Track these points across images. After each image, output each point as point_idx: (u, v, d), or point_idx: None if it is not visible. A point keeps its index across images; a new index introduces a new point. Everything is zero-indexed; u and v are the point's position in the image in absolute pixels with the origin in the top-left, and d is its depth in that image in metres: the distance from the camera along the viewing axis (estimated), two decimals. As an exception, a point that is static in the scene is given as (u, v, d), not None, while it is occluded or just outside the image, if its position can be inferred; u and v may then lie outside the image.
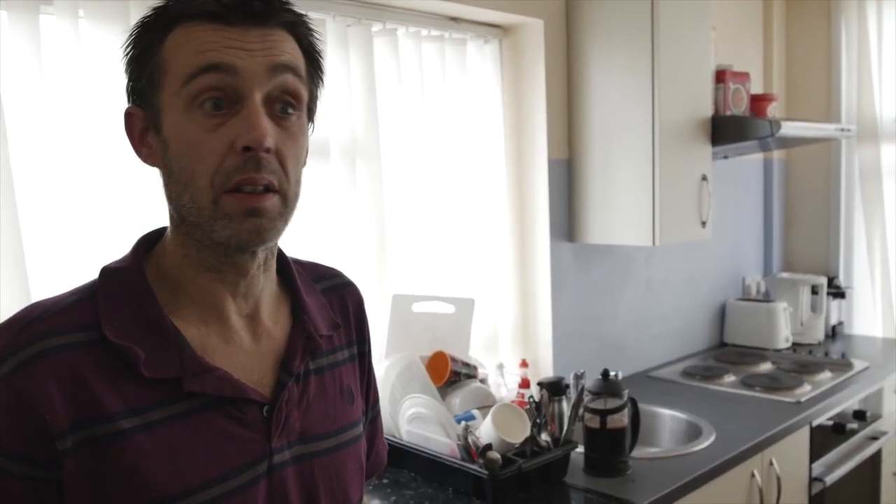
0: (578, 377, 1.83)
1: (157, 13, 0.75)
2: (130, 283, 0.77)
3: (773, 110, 2.65)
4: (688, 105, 2.28)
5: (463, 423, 1.67)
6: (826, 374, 2.56)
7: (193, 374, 0.74)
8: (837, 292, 3.23)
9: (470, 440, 1.63)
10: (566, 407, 1.79)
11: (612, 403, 1.76)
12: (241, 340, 0.81)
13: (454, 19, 2.13)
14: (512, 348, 2.38)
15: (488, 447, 1.60)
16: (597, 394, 1.77)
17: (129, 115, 0.78)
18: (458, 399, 1.86)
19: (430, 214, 2.11)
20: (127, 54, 0.77)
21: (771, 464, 2.05)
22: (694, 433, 2.08)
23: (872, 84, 3.16)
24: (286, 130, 0.75)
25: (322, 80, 0.82)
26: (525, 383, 2.12)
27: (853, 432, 2.44)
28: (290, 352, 0.83)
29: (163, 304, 0.76)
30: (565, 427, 1.76)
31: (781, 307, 2.99)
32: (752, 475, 1.99)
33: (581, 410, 1.79)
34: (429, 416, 1.72)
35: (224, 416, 0.75)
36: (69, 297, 0.76)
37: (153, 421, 0.72)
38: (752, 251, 3.30)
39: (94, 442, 0.69)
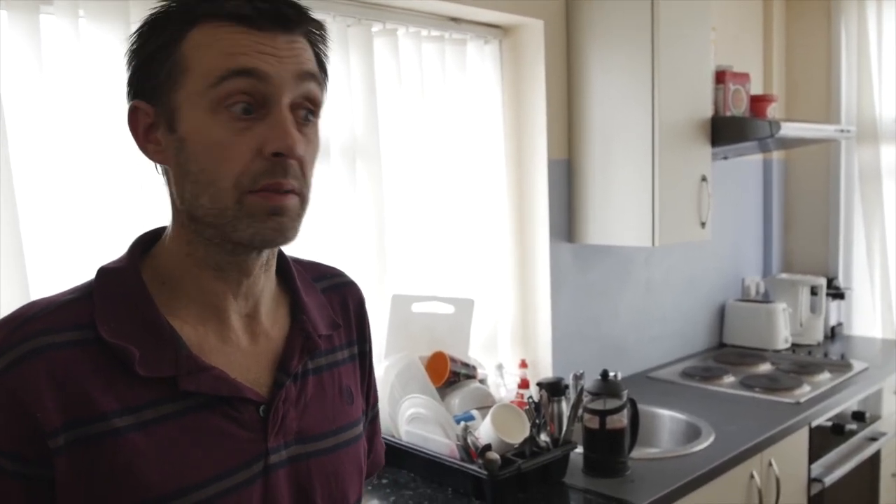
0: (578, 378, 1.83)
1: (176, 8, 0.74)
2: (126, 283, 0.77)
3: (772, 111, 2.65)
4: (688, 105, 2.28)
5: (462, 423, 1.67)
6: (825, 375, 2.56)
7: (189, 373, 0.74)
8: (837, 293, 3.23)
9: (469, 440, 1.63)
10: (565, 407, 1.79)
11: (612, 404, 1.76)
12: (239, 340, 0.81)
13: (454, 19, 2.14)
14: (511, 349, 2.38)
15: (487, 447, 1.61)
16: (596, 394, 1.77)
17: (134, 110, 0.77)
18: (457, 399, 1.86)
19: (429, 215, 2.11)
20: (137, 48, 0.76)
21: (770, 464, 2.05)
22: (693, 434, 2.08)
23: (872, 85, 3.16)
24: (306, 136, 0.76)
25: (328, 85, 0.83)
26: (524, 384, 2.12)
27: (852, 433, 2.45)
28: (288, 352, 0.83)
29: (160, 303, 0.76)
30: (564, 427, 1.76)
31: (781, 308, 2.99)
32: (752, 476, 1.99)
33: (580, 411, 1.79)
34: (428, 417, 1.72)
35: (220, 416, 0.75)
36: (65, 296, 0.76)
37: (148, 420, 0.72)
38: (752, 252, 3.30)
39: (88, 441, 0.69)
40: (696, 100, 2.31)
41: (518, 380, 2.14)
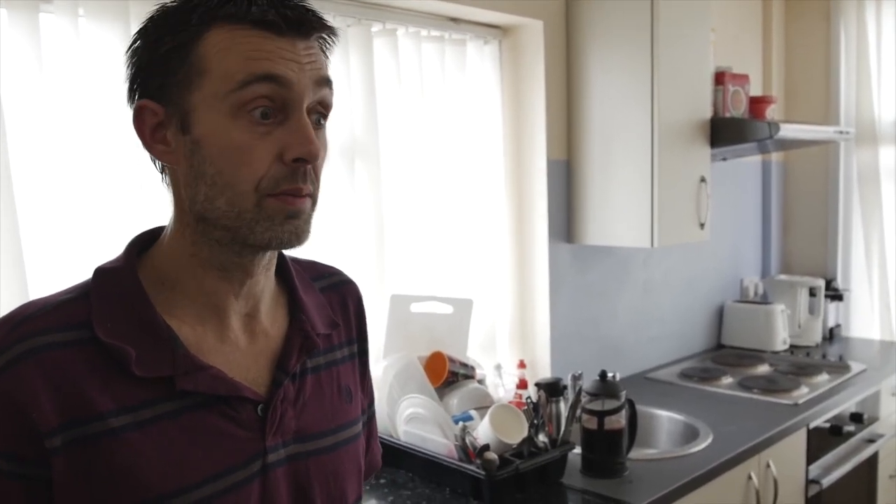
0: (576, 378, 1.83)
1: (192, 9, 0.73)
2: (123, 283, 0.76)
3: (771, 112, 2.65)
4: (687, 106, 2.28)
5: (460, 423, 1.68)
6: (823, 377, 2.56)
7: (186, 372, 0.74)
8: (835, 295, 3.23)
9: (467, 441, 1.63)
10: (564, 408, 1.79)
11: (610, 405, 1.76)
12: (238, 339, 0.81)
13: (454, 20, 2.14)
14: (510, 349, 2.38)
15: (486, 448, 1.61)
16: (594, 395, 1.77)
17: (141, 109, 0.75)
18: (455, 399, 1.86)
19: (428, 215, 2.11)
20: (145, 47, 0.75)
21: (768, 466, 2.05)
22: (691, 435, 2.09)
23: (871, 86, 3.17)
24: (319, 140, 0.76)
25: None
26: (523, 384, 2.12)
27: (850, 434, 2.45)
28: (286, 350, 0.83)
29: (157, 303, 0.76)
30: (563, 428, 1.76)
31: (779, 309, 3.00)
32: (749, 477, 1.99)
33: (578, 411, 1.79)
34: (426, 417, 1.72)
35: (218, 415, 0.75)
36: (62, 296, 0.75)
37: (145, 419, 0.72)
38: (751, 253, 3.30)
39: (85, 441, 0.69)
40: (695, 101, 2.31)
41: (516, 380, 2.15)
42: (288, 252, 0.90)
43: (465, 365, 1.94)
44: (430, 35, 2.10)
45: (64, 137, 1.43)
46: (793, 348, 3.03)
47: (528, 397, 1.90)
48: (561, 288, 2.38)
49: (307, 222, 0.77)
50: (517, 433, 1.67)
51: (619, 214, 2.28)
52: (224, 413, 0.76)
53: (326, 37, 0.78)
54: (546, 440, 1.72)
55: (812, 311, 3.15)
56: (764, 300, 3.20)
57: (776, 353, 2.95)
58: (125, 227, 1.47)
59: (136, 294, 0.76)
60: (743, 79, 2.55)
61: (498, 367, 2.16)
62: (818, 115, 3.27)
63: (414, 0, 1.95)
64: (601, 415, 1.76)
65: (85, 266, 1.39)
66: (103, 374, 0.71)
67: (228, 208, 0.73)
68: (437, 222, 2.14)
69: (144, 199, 1.49)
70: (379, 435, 1.07)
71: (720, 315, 3.12)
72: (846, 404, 2.44)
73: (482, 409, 1.78)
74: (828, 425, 2.35)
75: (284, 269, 0.89)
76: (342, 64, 1.85)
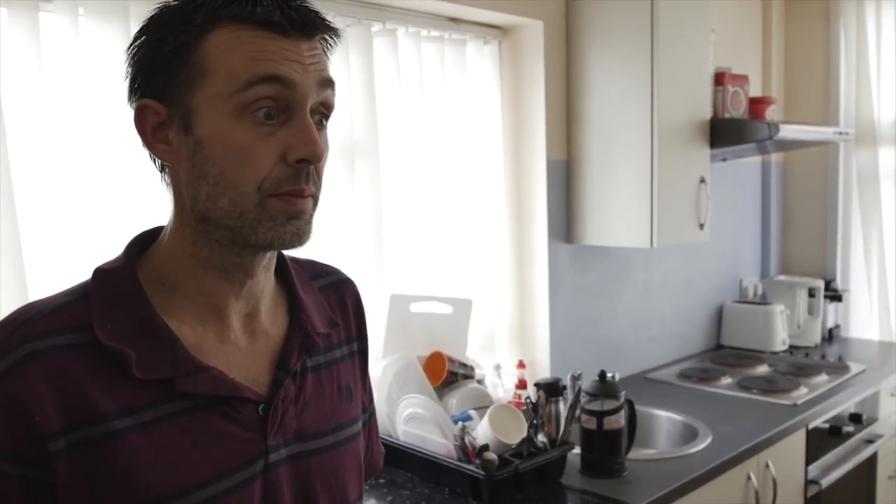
0: (575, 378, 1.83)
1: (196, 9, 0.72)
2: (123, 284, 0.76)
3: (771, 113, 2.65)
4: (687, 107, 2.28)
5: (460, 423, 1.68)
6: (822, 377, 2.56)
7: (187, 373, 0.74)
8: (834, 295, 3.24)
9: (467, 441, 1.63)
10: (563, 408, 1.79)
11: (609, 405, 1.76)
12: (238, 339, 0.81)
13: (454, 20, 2.14)
14: (509, 349, 2.38)
15: (485, 448, 1.61)
16: (594, 395, 1.77)
17: (142, 108, 0.75)
18: (455, 399, 1.86)
19: (428, 215, 2.11)
20: (146, 46, 0.74)
21: (767, 466, 2.06)
22: (690, 435, 2.09)
23: (871, 87, 3.17)
24: (322, 141, 0.76)
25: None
26: (522, 384, 2.12)
27: (849, 435, 2.45)
28: (286, 350, 0.83)
29: (157, 304, 0.76)
30: (562, 428, 1.76)
31: (778, 310, 3.00)
32: (748, 477, 1.99)
33: (578, 412, 1.79)
34: (426, 417, 1.72)
35: (219, 416, 0.75)
36: (61, 297, 0.75)
37: (147, 421, 0.72)
38: (750, 254, 3.31)
39: (88, 443, 0.69)
40: (695, 101, 2.32)
41: (516, 380, 2.15)
42: (286, 251, 0.90)
43: (464, 365, 1.94)
44: (430, 35, 2.10)
45: (64, 137, 1.43)
46: (792, 349, 3.03)
47: (528, 397, 1.90)
48: (560, 288, 2.38)
49: (309, 223, 0.77)
50: (516, 433, 1.67)
51: (618, 215, 2.28)
52: (225, 414, 0.76)
53: (329, 38, 0.78)
54: (545, 440, 1.72)
55: (811, 311, 3.15)
56: (763, 301, 3.20)
57: (775, 353, 2.95)
58: (124, 226, 1.47)
59: (136, 295, 0.76)
60: (742, 79, 2.55)
61: (497, 368, 2.16)
62: (818, 115, 3.28)
63: (414, 0, 1.95)
64: (600, 415, 1.76)
65: (84, 266, 1.40)
66: (105, 376, 0.71)
67: (231, 208, 0.73)
68: (437, 222, 2.14)
69: (144, 199, 1.49)
70: (379, 435, 1.07)
71: (719, 315, 3.12)
72: (845, 405, 2.44)
73: (481, 409, 1.78)
74: (827, 426, 2.35)
75: (283, 268, 0.89)
76: (342, 64, 1.85)
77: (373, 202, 1.95)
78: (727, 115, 2.49)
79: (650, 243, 2.22)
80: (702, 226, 2.37)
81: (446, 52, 2.14)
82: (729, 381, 2.55)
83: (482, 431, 1.65)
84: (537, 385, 1.84)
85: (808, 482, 2.27)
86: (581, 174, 2.35)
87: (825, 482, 2.28)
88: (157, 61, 0.74)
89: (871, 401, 2.60)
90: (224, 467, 0.75)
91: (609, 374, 1.81)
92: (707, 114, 2.37)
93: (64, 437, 0.69)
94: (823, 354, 2.96)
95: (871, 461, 2.58)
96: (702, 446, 1.96)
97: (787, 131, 2.39)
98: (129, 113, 0.77)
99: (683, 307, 2.93)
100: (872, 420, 2.61)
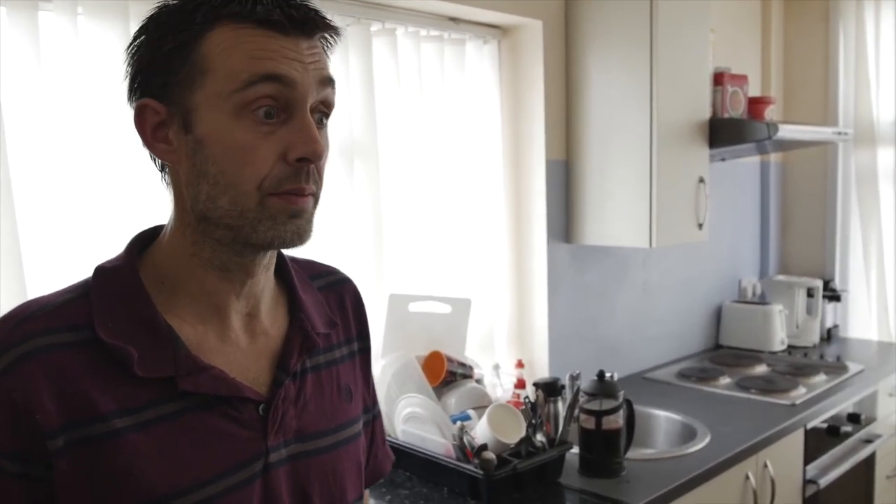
0: (574, 378, 1.83)
1: (195, 8, 0.72)
2: (124, 282, 0.76)
3: (770, 113, 2.65)
4: (686, 107, 2.28)
5: (458, 423, 1.68)
6: (821, 377, 2.57)
7: (188, 373, 0.74)
8: (833, 295, 3.24)
9: (465, 440, 1.63)
10: (561, 408, 1.79)
11: (608, 404, 1.76)
12: (239, 339, 0.81)
13: (453, 19, 2.14)
14: (508, 349, 2.38)
15: (483, 447, 1.61)
16: (592, 395, 1.77)
17: (142, 108, 0.75)
18: (453, 399, 1.87)
19: (427, 214, 2.11)
20: (146, 45, 0.74)
21: (765, 466, 2.06)
22: (689, 435, 2.09)
23: (870, 87, 3.17)
24: (321, 139, 0.76)
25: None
26: (521, 384, 2.12)
27: (847, 435, 2.45)
28: (286, 350, 0.83)
29: (158, 302, 0.76)
30: (560, 428, 1.77)
31: (777, 310, 3.00)
32: (747, 477, 2.00)
33: (576, 411, 1.79)
34: (424, 416, 1.72)
35: (219, 415, 0.75)
36: (62, 295, 0.75)
37: (147, 420, 0.72)
38: (749, 254, 3.31)
39: (88, 442, 0.69)
40: (694, 101, 2.32)
41: (514, 380, 2.14)
42: (286, 251, 0.90)
43: (463, 364, 1.95)
44: (430, 35, 2.10)
45: (62, 136, 1.43)
46: (790, 349, 3.04)
47: (526, 397, 1.90)
48: (559, 288, 2.38)
49: (309, 222, 0.77)
50: (515, 433, 1.67)
51: (617, 214, 2.28)
52: (226, 413, 0.76)
53: (329, 36, 0.78)
54: (544, 440, 1.72)
55: (810, 311, 3.15)
56: (762, 301, 3.21)
57: (774, 353, 2.95)
58: (123, 226, 1.47)
59: (137, 293, 0.76)
60: (742, 79, 2.55)
61: (496, 367, 2.16)
62: (817, 115, 3.28)
63: (413, 0, 1.95)
64: (599, 415, 1.76)
65: (83, 265, 1.40)
66: (105, 375, 0.71)
67: (231, 207, 0.73)
68: (436, 222, 2.14)
69: (143, 198, 1.49)
70: (385, 439, 1.06)
71: (718, 315, 3.12)
72: (844, 405, 2.44)
73: (480, 409, 1.78)
74: (825, 426, 2.36)
75: (284, 268, 0.89)
76: (341, 63, 1.85)
77: (372, 202, 1.95)
78: (726, 115, 2.49)
79: (649, 243, 2.22)
80: (701, 226, 2.37)
81: (446, 52, 2.14)
82: (727, 381, 2.55)
83: (481, 431, 1.66)
84: (536, 385, 1.84)
85: (807, 482, 2.27)
86: (580, 174, 2.35)
87: (823, 482, 2.28)
88: (157, 60, 0.74)
89: (869, 401, 2.60)
90: (224, 467, 0.75)
91: (608, 374, 1.81)
92: (706, 114, 2.37)
93: (64, 435, 0.68)
94: (822, 354, 2.97)
95: (870, 461, 2.58)
96: (700, 446, 1.96)
97: (786, 131, 2.40)
98: (128, 112, 0.77)
99: (682, 307, 2.93)
100: (871, 420, 2.61)
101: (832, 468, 2.35)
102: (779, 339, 2.99)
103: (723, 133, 2.38)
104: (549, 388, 1.80)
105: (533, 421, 1.71)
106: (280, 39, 0.72)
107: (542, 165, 2.29)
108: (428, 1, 1.97)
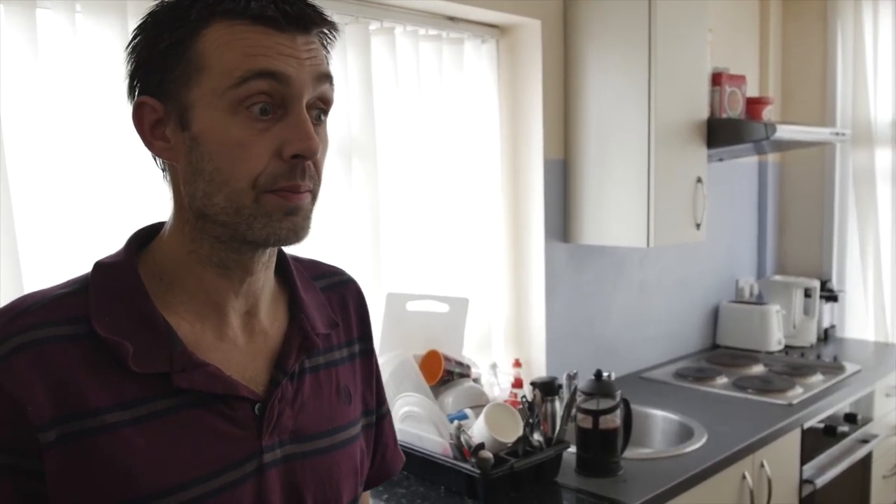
0: (571, 377, 1.83)
1: (191, 5, 0.72)
2: (122, 278, 0.76)
3: (768, 113, 2.66)
4: (684, 107, 2.28)
5: (456, 422, 1.68)
6: (818, 377, 2.57)
7: (183, 369, 0.73)
8: (830, 296, 3.24)
9: (462, 439, 1.63)
10: (559, 407, 1.79)
11: (605, 404, 1.76)
12: (237, 337, 0.80)
13: (452, 19, 2.14)
14: (505, 348, 2.38)
15: (481, 446, 1.61)
16: (589, 394, 1.78)
17: (140, 105, 0.75)
18: (451, 398, 1.87)
19: (425, 214, 2.11)
20: (144, 43, 0.74)
21: (762, 465, 2.06)
22: (686, 434, 2.09)
23: (867, 88, 3.18)
24: (319, 136, 0.76)
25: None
26: (518, 383, 2.12)
27: (844, 435, 2.46)
28: (285, 350, 0.83)
29: (156, 299, 0.76)
30: (558, 427, 1.77)
31: (774, 310, 3.00)
32: (743, 477, 2.00)
33: (573, 411, 1.79)
34: (422, 415, 1.72)
35: (214, 414, 0.75)
36: (60, 289, 0.75)
37: (141, 416, 0.71)
38: (746, 254, 3.31)
39: (80, 436, 0.69)
40: (692, 101, 2.32)
41: (512, 379, 2.15)
42: (290, 251, 0.89)
43: (460, 364, 1.95)
44: (428, 34, 2.10)
45: (61, 133, 1.43)
46: (787, 349, 3.04)
47: (524, 396, 1.90)
48: (557, 287, 2.38)
49: (306, 219, 0.77)
50: (512, 432, 1.67)
51: (615, 214, 2.28)
52: (220, 412, 0.75)
53: (327, 31, 0.78)
54: (541, 439, 1.72)
55: (807, 311, 3.16)
56: (759, 301, 3.21)
57: (771, 353, 2.96)
58: (121, 223, 1.47)
59: (136, 289, 0.76)
60: (740, 79, 2.55)
61: (493, 366, 2.17)
62: (814, 116, 3.28)
63: (412, -1, 1.96)
64: (596, 414, 1.76)
65: (81, 261, 1.40)
66: (100, 369, 0.71)
67: (227, 204, 0.73)
68: (434, 221, 2.14)
69: (141, 196, 1.49)
70: (396, 440, 1.05)
71: (715, 315, 3.13)
72: (840, 405, 2.45)
73: (477, 408, 1.78)
74: (822, 425, 2.36)
75: (285, 267, 0.88)
76: (340, 62, 1.85)
77: (370, 201, 1.95)
78: (724, 116, 2.49)
79: (647, 243, 2.23)
80: (698, 226, 2.37)
81: (444, 51, 2.14)
82: (724, 381, 2.55)
83: (478, 430, 1.66)
84: (533, 384, 1.84)
85: (803, 482, 2.28)
86: (578, 173, 2.35)
87: (820, 482, 2.29)
88: (153, 58, 0.74)
89: (865, 401, 2.60)
90: (217, 466, 0.74)
91: (605, 374, 1.82)
92: (704, 114, 2.37)
93: (55, 428, 0.68)
94: (819, 354, 2.97)
95: (866, 461, 2.59)
96: (697, 446, 1.96)
97: (784, 132, 2.40)
98: (126, 110, 0.77)
99: (679, 307, 2.93)
100: (867, 420, 2.61)
101: (829, 468, 2.35)
102: (776, 339, 3.00)
103: (721, 133, 2.39)
104: (547, 388, 1.81)
105: (530, 420, 1.71)
106: (275, 35, 0.72)
107: (540, 165, 2.29)
108: (427, 0, 1.97)
